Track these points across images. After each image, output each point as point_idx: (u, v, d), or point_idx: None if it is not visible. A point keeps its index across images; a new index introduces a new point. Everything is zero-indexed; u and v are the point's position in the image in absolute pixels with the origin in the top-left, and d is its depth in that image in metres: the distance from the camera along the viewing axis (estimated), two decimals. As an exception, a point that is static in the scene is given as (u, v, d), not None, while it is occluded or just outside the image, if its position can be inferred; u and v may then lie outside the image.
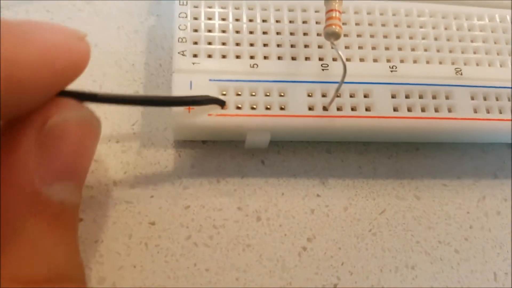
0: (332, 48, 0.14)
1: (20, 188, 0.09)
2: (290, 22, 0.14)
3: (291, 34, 0.14)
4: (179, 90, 0.13)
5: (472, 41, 0.15)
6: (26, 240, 0.09)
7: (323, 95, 0.14)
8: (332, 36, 0.12)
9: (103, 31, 0.15)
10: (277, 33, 0.14)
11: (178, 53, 0.13)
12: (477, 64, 0.15)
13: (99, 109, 0.11)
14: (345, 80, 0.13)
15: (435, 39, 0.15)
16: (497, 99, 0.14)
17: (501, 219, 0.15)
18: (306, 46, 0.14)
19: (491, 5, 0.16)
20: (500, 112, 0.14)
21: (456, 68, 0.14)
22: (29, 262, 0.09)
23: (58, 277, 0.09)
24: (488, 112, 0.14)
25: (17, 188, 0.09)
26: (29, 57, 0.09)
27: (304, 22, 0.14)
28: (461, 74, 0.14)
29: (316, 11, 0.14)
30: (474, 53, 0.15)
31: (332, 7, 0.13)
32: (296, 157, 0.14)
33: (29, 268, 0.09)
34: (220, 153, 0.14)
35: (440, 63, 0.14)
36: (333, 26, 0.12)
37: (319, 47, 0.14)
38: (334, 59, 0.14)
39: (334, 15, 0.12)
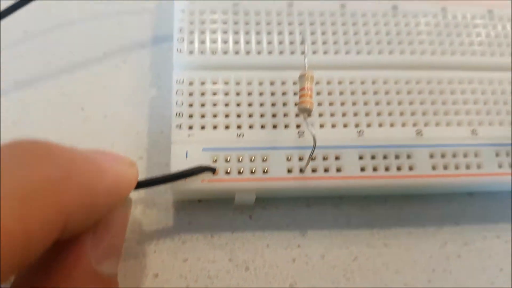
0: (304, 120, 0.16)
1: (82, 269, 0.11)
2: (272, 94, 0.17)
3: (272, 105, 0.16)
4: (176, 159, 0.15)
5: (432, 103, 0.17)
6: None
7: (300, 159, 0.16)
8: (304, 111, 0.15)
9: (112, 103, 0.18)
10: (261, 105, 0.16)
11: (176, 126, 0.16)
12: (437, 125, 0.17)
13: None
14: (319, 145, 0.15)
15: (399, 103, 0.17)
16: (453, 156, 0.16)
17: (461, 262, 0.17)
18: (285, 115, 0.16)
19: (449, 67, 0.18)
20: (456, 168, 0.16)
21: (417, 130, 0.16)
22: None
23: None
24: (445, 168, 0.16)
25: (80, 270, 0.11)
26: (105, 185, 0.11)
27: (283, 93, 0.17)
28: (422, 135, 0.16)
29: (294, 83, 0.17)
30: (434, 114, 0.17)
31: (304, 86, 0.15)
32: (279, 212, 0.17)
33: None
34: (213, 210, 0.16)
35: (403, 125, 0.17)
36: (304, 104, 0.14)
37: (296, 115, 0.16)
38: (310, 126, 0.16)
39: (306, 93, 0.15)
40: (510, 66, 0.18)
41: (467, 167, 0.16)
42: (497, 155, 0.17)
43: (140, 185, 0.14)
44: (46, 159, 0.10)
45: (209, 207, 0.16)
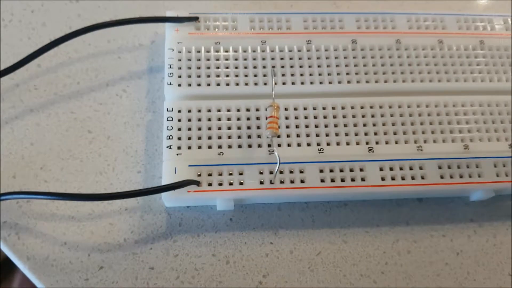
0: (271, 141, 0.20)
1: None
2: (247, 119, 0.21)
3: (248, 128, 0.21)
4: (167, 174, 0.19)
5: (383, 125, 0.21)
6: None
7: (271, 172, 0.20)
8: (271, 134, 0.19)
9: (114, 126, 0.22)
10: (238, 128, 0.21)
11: (167, 147, 0.20)
12: (387, 143, 0.21)
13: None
14: (286, 160, 0.20)
15: (354, 125, 0.21)
16: (401, 169, 0.21)
17: (411, 257, 0.21)
18: (258, 136, 0.21)
19: (399, 93, 0.22)
20: (403, 179, 0.21)
21: (369, 147, 0.21)
22: None
23: None
24: (393, 179, 0.20)
25: None
26: None
27: (257, 118, 0.21)
28: (373, 152, 0.21)
29: (266, 109, 0.21)
30: (385, 134, 0.21)
31: (272, 114, 0.19)
32: (255, 214, 0.21)
33: None
34: (199, 214, 0.21)
35: (357, 143, 0.21)
36: (271, 129, 0.19)
37: (267, 137, 0.21)
38: (279, 145, 0.21)
39: (272, 120, 0.19)
40: (449, 89, 0.23)
41: (413, 178, 0.21)
42: (439, 167, 0.21)
43: (139, 194, 0.19)
44: None
45: (196, 212, 0.21)
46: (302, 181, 0.20)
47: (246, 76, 0.22)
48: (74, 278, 0.19)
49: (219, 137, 0.21)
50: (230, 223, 0.21)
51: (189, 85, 0.21)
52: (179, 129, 0.20)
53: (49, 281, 0.19)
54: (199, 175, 0.20)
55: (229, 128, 0.21)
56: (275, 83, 0.21)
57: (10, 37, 0.24)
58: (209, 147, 0.20)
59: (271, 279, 0.20)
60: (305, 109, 0.21)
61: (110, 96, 0.23)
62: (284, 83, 0.22)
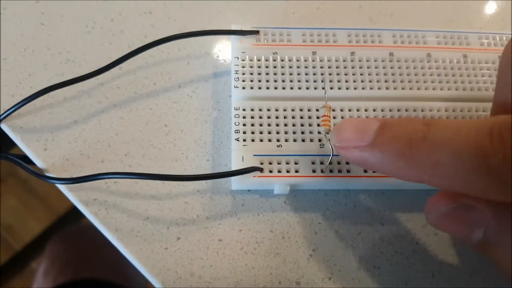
0: (324, 136, 0.24)
1: None
2: (301, 117, 0.25)
3: (301, 125, 0.25)
4: (236, 161, 0.23)
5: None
6: None
7: (321, 163, 0.24)
8: (324, 131, 0.23)
9: (186, 121, 0.26)
10: (293, 125, 0.25)
11: (235, 139, 0.24)
12: (418, 140, 0.25)
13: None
14: (335, 153, 0.24)
15: (391, 125, 0.25)
16: (430, 163, 0.24)
17: (437, 238, 0.25)
18: (310, 132, 0.25)
19: (431, 99, 0.26)
20: (432, 171, 0.24)
21: (404, 144, 0.25)
22: None
23: None
24: (424, 171, 0.24)
25: None
26: None
27: (309, 117, 0.25)
28: (407, 148, 0.25)
29: (316, 110, 0.25)
30: (417, 133, 0.25)
31: (325, 113, 0.23)
32: (306, 198, 0.25)
33: None
34: (259, 197, 0.25)
35: (394, 140, 0.25)
36: (325, 126, 0.23)
37: (318, 133, 0.25)
38: (329, 140, 0.24)
39: (325, 119, 0.23)
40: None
41: (440, 170, 0.24)
42: (463, 162, 0.25)
43: (214, 176, 0.23)
44: None
45: (256, 195, 0.25)
46: (348, 171, 0.24)
47: (299, 81, 0.26)
48: (155, 246, 0.23)
49: (277, 132, 0.25)
50: (284, 205, 0.25)
51: (252, 88, 0.25)
52: (244, 125, 0.24)
53: (134, 249, 0.23)
54: (262, 163, 0.24)
55: (285, 125, 0.25)
56: (326, 87, 0.25)
57: (94, 42, 0.28)
58: (269, 140, 0.24)
59: (319, 253, 0.24)
60: (349, 110, 0.25)
61: (182, 95, 0.27)
62: (331, 88, 0.26)
